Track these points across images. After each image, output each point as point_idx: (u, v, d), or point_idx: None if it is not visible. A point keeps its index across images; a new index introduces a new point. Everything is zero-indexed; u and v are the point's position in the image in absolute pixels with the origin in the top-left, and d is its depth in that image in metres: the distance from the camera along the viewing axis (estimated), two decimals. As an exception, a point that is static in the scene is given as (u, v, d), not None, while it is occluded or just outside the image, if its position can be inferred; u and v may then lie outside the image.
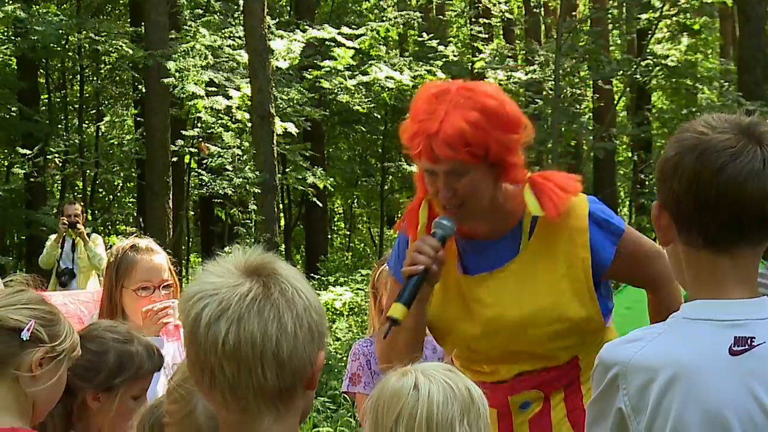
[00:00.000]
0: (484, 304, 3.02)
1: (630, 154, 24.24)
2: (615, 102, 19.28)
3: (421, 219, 3.09)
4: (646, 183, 19.29)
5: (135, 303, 3.83)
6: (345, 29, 16.63)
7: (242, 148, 14.40)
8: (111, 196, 23.15)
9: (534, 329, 3.02)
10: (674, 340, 2.09)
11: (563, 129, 16.93)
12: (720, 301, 2.09)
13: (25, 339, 2.48)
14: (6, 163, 19.03)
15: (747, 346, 2.05)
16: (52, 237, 10.93)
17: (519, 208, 3.01)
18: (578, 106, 18.92)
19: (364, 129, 21.85)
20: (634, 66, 15.99)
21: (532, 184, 2.96)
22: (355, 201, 27.84)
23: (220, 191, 14.16)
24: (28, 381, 2.49)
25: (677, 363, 2.04)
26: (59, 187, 20.96)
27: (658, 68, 16.85)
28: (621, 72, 16.65)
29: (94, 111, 21.28)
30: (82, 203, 12.27)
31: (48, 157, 17.55)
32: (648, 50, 16.70)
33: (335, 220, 29.80)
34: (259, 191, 13.38)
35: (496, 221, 3.03)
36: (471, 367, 3.12)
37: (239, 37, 15.24)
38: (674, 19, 17.50)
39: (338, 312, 14.69)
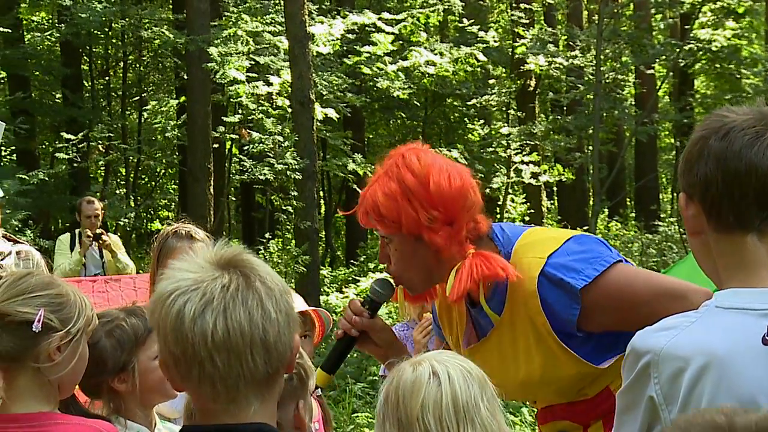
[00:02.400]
0: (485, 372, 3.00)
1: (672, 140, 24.03)
2: (657, 87, 19.10)
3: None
4: (689, 169, 19.06)
5: None
6: (385, 15, 16.61)
7: (283, 134, 14.43)
8: (153, 182, 23.33)
9: (537, 390, 3.00)
10: (707, 329, 2.08)
11: (604, 115, 16.81)
12: (753, 289, 2.08)
13: (37, 331, 2.46)
14: (50, 149, 19.24)
15: (781, 336, 2.04)
16: (63, 239, 10.06)
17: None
18: (620, 92, 18.76)
19: (404, 115, 21.81)
20: (677, 51, 15.82)
21: (463, 262, 2.87)
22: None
23: (261, 177, 14.21)
24: (49, 369, 2.49)
25: (710, 352, 2.04)
26: (102, 173, 21.16)
27: (701, 53, 16.66)
28: (664, 57, 16.49)
29: (136, 98, 21.44)
30: (100, 199, 11.59)
31: (91, 143, 17.72)
32: (691, 34, 16.52)
33: (376, 206, 29.77)
34: (300, 177, 13.42)
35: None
36: None
37: (280, 23, 15.27)
38: (718, 3, 17.30)
39: (378, 298, 14.70)
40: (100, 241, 9.68)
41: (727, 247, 2.12)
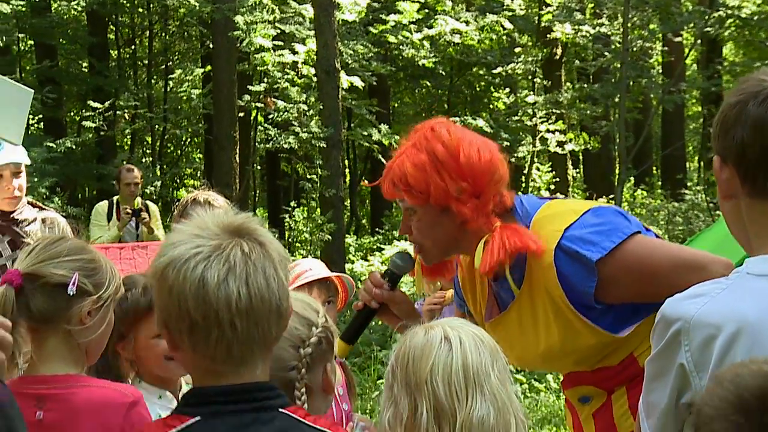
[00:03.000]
0: (506, 345, 2.93)
1: (699, 109, 23.84)
2: (685, 55, 18.93)
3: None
4: (717, 137, 18.93)
5: None
6: (411, -17, 16.54)
7: (308, 102, 14.43)
8: (179, 151, 23.40)
9: (558, 361, 3.03)
10: (738, 296, 2.08)
11: (631, 83, 16.69)
12: (785, 256, 2.08)
13: (71, 294, 2.49)
14: (77, 118, 19.31)
15: (812, 303, 2.04)
16: (99, 209, 9.66)
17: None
18: (647, 60, 18.60)
19: (429, 84, 21.74)
20: (706, 18, 15.65)
21: (490, 235, 2.89)
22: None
23: (286, 146, 14.23)
24: (79, 332, 2.53)
25: (741, 319, 2.03)
26: (129, 142, 21.24)
27: (730, 20, 16.46)
28: (692, 24, 16.32)
29: (162, 66, 21.46)
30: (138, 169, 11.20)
31: (118, 111, 17.78)
32: (720, 1, 16.34)
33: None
34: (325, 146, 13.42)
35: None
36: None
37: (305, -8, 15.24)
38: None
39: (403, 266, 14.72)
40: (139, 218, 9.44)
41: (760, 213, 2.10)
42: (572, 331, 2.87)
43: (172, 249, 1.94)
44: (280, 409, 1.97)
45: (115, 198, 9.71)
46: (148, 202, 10.02)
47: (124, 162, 17.12)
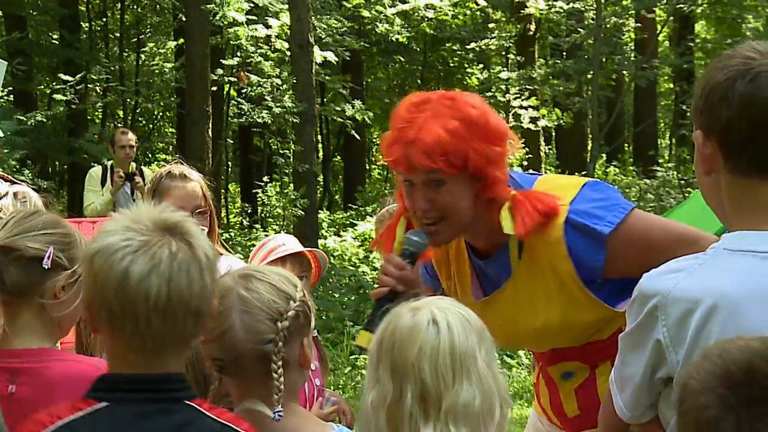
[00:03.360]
0: (496, 325, 2.83)
1: (671, 85, 23.92)
2: (657, 32, 18.98)
3: (398, 236, 3.00)
4: (688, 114, 19.05)
5: None
6: (385, -43, 16.45)
7: (281, 77, 14.35)
8: (151, 125, 23.24)
9: (552, 338, 2.99)
10: (715, 271, 2.09)
11: (604, 59, 16.71)
12: (761, 232, 2.08)
13: (46, 268, 2.49)
14: (48, 91, 19.11)
15: (789, 279, 2.05)
16: (93, 174, 9.43)
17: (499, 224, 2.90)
18: (620, 37, 18.63)
19: (403, 59, 21.69)
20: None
21: (513, 201, 2.83)
22: (394, 131, 27.70)
23: (259, 120, 14.15)
24: (53, 307, 2.53)
25: (718, 294, 2.04)
26: (100, 115, 21.06)
27: (704, -3, 16.52)
28: (665, 1, 16.36)
29: (135, 39, 21.27)
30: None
31: (89, 85, 17.61)
32: (693, -22, 16.38)
33: (374, 151, 29.79)
34: (298, 121, 13.36)
35: (481, 237, 2.94)
36: None
37: (279, -36, 15.11)
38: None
39: (376, 241, 14.77)
40: (133, 183, 9.25)
41: (740, 190, 2.11)
42: (575, 306, 2.86)
43: (104, 237, 2.00)
44: (186, 401, 2.03)
45: (109, 162, 9.55)
46: (143, 166, 9.89)
47: (96, 136, 17.00)
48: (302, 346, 2.27)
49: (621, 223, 2.79)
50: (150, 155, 22.75)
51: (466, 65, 21.68)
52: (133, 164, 9.51)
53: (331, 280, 12.86)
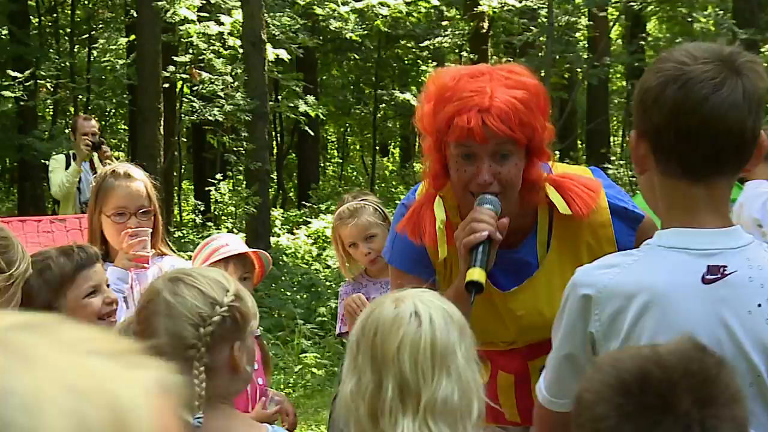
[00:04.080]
0: (518, 315, 2.88)
1: (624, 83, 24.12)
2: (609, 30, 19.12)
3: (439, 215, 2.85)
4: (639, 113, 19.16)
5: (111, 229, 3.87)
6: (338, -46, 16.42)
7: (233, 74, 14.28)
8: (103, 122, 23.03)
9: None
10: (649, 267, 2.12)
11: (557, 58, 16.79)
12: (694, 230, 2.12)
13: None
14: (-4, 87, 18.88)
15: (719, 275, 2.09)
16: (58, 158, 9.07)
17: (533, 207, 2.86)
18: (572, 35, 18.75)
19: (357, 57, 21.69)
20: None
21: (553, 183, 2.80)
22: (348, 129, 27.75)
23: (211, 118, 14.08)
24: None
25: (651, 290, 2.08)
26: (51, 112, 20.84)
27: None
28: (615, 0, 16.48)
29: (86, 36, 21.06)
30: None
31: (39, 81, 17.41)
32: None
33: (329, 148, 29.75)
34: (250, 119, 13.31)
35: (516, 219, 2.81)
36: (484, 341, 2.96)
37: (231, -39, 15.04)
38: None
39: (329, 239, 14.76)
40: (100, 151, 8.73)
41: (671, 191, 2.15)
42: None
43: None
44: None
45: (70, 151, 9.12)
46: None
47: (46, 133, 16.81)
48: (232, 350, 2.25)
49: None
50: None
51: (421, 63, 21.72)
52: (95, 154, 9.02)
53: (283, 278, 12.82)
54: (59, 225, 5.82)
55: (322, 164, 24.99)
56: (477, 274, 2.65)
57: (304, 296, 12.15)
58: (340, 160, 28.51)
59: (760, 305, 2.09)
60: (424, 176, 2.90)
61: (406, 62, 22.02)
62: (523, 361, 3.08)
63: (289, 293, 12.25)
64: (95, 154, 8.79)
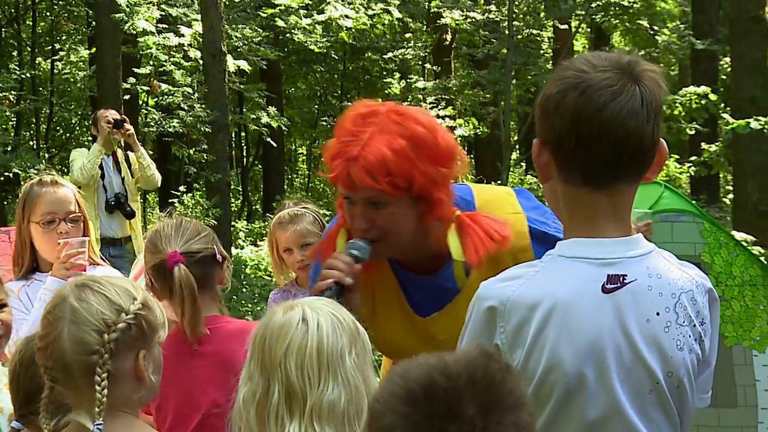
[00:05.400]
0: (440, 339, 2.82)
1: (588, 96, 24.22)
2: (570, 42, 19.25)
3: (338, 247, 2.86)
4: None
5: (41, 237, 3.85)
6: (300, -34, 16.43)
7: (193, 86, 14.25)
8: (68, 134, 22.91)
9: None
10: (551, 277, 2.14)
11: (519, 69, 16.88)
12: (595, 239, 2.13)
13: None
14: (-43, 99, 18.74)
15: (619, 284, 2.11)
16: (80, 150, 8.68)
17: (445, 247, 2.80)
18: (534, 47, 18.85)
19: (322, 68, 21.70)
20: (592, 5, 15.90)
21: (459, 224, 2.76)
22: (315, 141, 27.75)
23: (171, 130, 14.02)
24: None
25: (553, 300, 2.10)
26: (14, 125, 20.70)
27: (615, 8, 16.78)
28: (577, 12, 16.58)
29: (48, 48, 20.95)
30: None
31: (0, 94, 17.30)
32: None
33: (298, 160, 29.71)
34: (210, 130, 13.27)
35: (421, 255, 2.82)
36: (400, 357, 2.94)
37: (192, -27, 15.03)
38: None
39: (291, 251, 14.71)
40: (122, 129, 8.42)
41: (572, 199, 2.16)
42: None
43: None
44: None
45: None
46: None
47: (9, 145, 16.68)
48: (137, 359, 2.25)
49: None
50: (68, 165, 22.39)
51: (386, 75, 21.76)
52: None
53: (244, 290, 12.78)
54: (3, 236, 5.77)
55: (289, 176, 24.95)
56: None
57: (264, 308, 12.10)
58: (309, 173, 28.49)
59: (658, 314, 2.11)
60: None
61: (372, 74, 22.06)
62: None
63: (250, 305, 12.20)
64: (118, 150, 8.56)
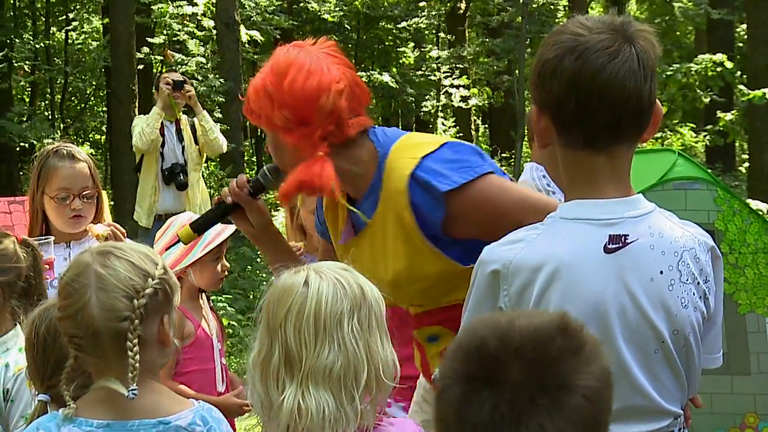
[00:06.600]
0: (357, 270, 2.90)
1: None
2: (585, 11, 19.13)
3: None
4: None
5: (54, 210, 3.83)
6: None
7: (206, 56, 14.23)
8: (83, 105, 22.95)
9: (404, 288, 2.96)
10: (553, 239, 2.14)
11: (529, 39, 16.79)
12: (596, 200, 2.14)
13: None
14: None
15: (621, 244, 2.11)
16: (141, 116, 8.36)
17: (368, 175, 2.92)
18: (548, 15, 18.74)
19: (336, 38, 21.62)
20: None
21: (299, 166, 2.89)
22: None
23: (184, 99, 14.00)
24: None
25: (556, 261, 2.10)
26: (29, 95, 20.74)
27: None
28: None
29: (62, 17, 20.94)
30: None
31: (15, 63, 17.32)
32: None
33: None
34: (224, 100, 13.27)
35: (344, 185, 2.94)
36: None
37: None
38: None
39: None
40: (182, 91, 8.07)
41: (572, 163, 2.17)
42: (419, 257, 2.85)
43: None
44: None
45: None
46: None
47: (25, 115, 16.73)
48: (162, 323, 2.26)
49: (466, 185, 2.76)
50: (83, 135, 22.46)
51: (399, 44, 21.68)
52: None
53: (258, 259, 12.82)
54: (17, 207, 5.81)
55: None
56: (183, 233, 3.07)
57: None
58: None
59: (662, 272, 2.12)
60: None
61: (386, 43, 21.98)
62: (411, 330, 3.12)
63: (264, 274, 12.24)
64: (182, 117, 8.20)
